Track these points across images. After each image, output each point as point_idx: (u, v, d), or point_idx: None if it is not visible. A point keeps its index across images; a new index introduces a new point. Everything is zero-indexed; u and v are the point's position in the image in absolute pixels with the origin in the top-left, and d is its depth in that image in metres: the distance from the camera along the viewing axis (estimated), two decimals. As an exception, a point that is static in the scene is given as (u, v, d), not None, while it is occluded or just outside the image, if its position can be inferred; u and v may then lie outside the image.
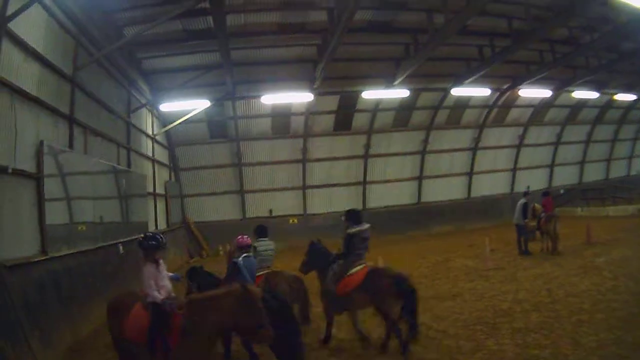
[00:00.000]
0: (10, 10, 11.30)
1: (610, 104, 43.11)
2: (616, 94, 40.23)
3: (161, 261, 8.46)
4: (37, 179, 12.70)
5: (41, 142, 12.93)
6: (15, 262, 10.92)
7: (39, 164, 12.81)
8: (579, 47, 29.62)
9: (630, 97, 41.64)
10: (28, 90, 12.47)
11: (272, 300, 8.56)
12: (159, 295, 7.95)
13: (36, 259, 11.93)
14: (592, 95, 37.71)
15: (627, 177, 49.05)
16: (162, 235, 8.63)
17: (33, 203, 12.54)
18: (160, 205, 27.70)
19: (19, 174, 11.81)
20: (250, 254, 11.09)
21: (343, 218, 11.46)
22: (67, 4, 14.64)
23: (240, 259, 10.56)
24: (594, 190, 41.96)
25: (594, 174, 46.86)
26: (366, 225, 11.05)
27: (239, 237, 11.36)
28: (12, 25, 11.50)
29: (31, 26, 12.76)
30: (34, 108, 12.92)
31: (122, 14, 19.87)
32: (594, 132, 45.04)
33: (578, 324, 11.12)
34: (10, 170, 11.23)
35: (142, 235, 8.75)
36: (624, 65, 34.85)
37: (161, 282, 8.22)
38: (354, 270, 10.74)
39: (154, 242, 8.36)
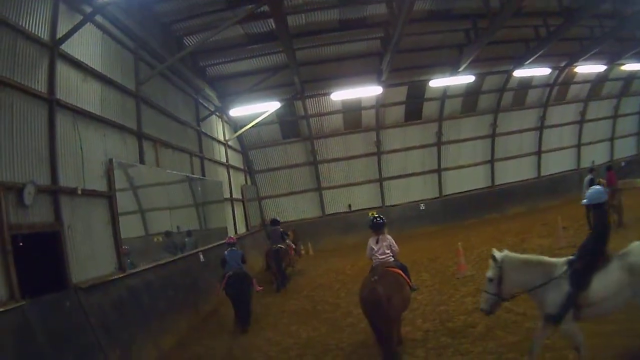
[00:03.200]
0: (61, 32, 11.24)
1: None
2: None
3: None
4: (109, 197, 12.66)
5: (110, 160, 12.90)
6: (92, 282, 10.89)
7: (110, 182, 12.77)
8: (623, 20, 28.75)
9: None
10: (91, 110, 12.44)
11: (238, 272, 14.96)
12: None
13: (113, 277, 11.87)
14: None
15: None
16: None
17: (107, 221, 12.48)
18: (239, 210, 27.82)
19: (90, 194, 11.74)
20: (235, 248, 15.91)
21: None
22: (121, 20, 14.62)
23: (226, 252, 15.66)
24: None
25: None
26: None
27: (227, 237, 17.54)
28: (65, 47, 11.43)
29: (86, 45, 12.71)
30: (100, 127, 12.86)
31: (180, 24, 20.04)
32: None
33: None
34: (79, 192, 11.15)
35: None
36: None
37: None
38: None
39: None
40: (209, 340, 13.95)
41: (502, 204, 35.87)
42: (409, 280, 10.49)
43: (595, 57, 32.44)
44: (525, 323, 10.61)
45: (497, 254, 8.54)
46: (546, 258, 8.60)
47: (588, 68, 33.76)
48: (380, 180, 34.11)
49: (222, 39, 22.09)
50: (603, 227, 8.40)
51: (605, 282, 7.75)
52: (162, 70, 17.25)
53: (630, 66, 35.94)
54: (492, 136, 36.13)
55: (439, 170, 35.16)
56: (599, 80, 38.23)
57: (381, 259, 10.76)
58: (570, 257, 8.23)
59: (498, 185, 36.58)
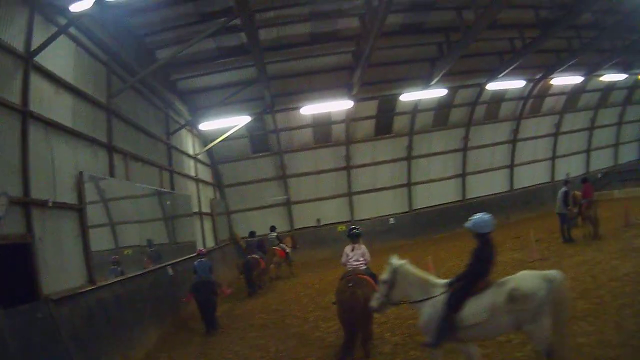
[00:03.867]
0: (35, 44, 11.32)
1: (638, 84, 42.48)
2: None
3: None
4: (79, 210, 12.69)
5: (80, 173, 12.93)
6: (63, 294, 10.90)
7: (80, 195, 12.79)
8: (604, 31, 29.25)
9: None
10: (63, 123, 12.49)
11: (204, 280, 16.39)
12: None
13: (84, 289, 11.86)
14: (620, 77, 37.29)
15: None
16: None
17: (77, 234, 12.52)
18: (207, 224, 27.82)
19: (60, 206, 11.79)
20: (204, 259, 17.28)
21: None
22: (95, 33, 14.69)
23: (196, 262, 17.04)
24: (629, 172, 41.60)
25: (629, 154, 46.12)
26: None
27: (198, 249, 19.05)
28: (39, 58, 11.51)
29: (59, 58, 12.78)
30: (71, 139, 12.92)
31: (153, 37, 20.20)
32: (625, 113, 44.48)
33: (621, 308, 11.00)
34: (50, 204, 11.18)
35: None
36: None
37: None
38: None
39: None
40: (177, 352, 13.98)
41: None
42: (377, 287, 10.53)
43: (572, 69, 32.90)
44: (497, 337, 10.22)
45: (394, 262, 9.12)
46: (433, 278, 9.18)
47: (564, 80, 34.14)
48: (350, 194, 34.26)
49: (194, 52, 22.25)
50: (482, 254, 8.72)
51: (478, 307, 8.15)
52: (134, 83, 17.29)
53: (608, 77, 36.30)
54: (464, 150, 36.39)
55: (408, 185, 35.41)
56: (575, 92, 38.69)
57: (355, 265, 11.99)
58: (451, 279, 8.73)
59: (469, 199, 36.98)
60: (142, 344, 13.73)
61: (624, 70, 36.85)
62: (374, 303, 9.20)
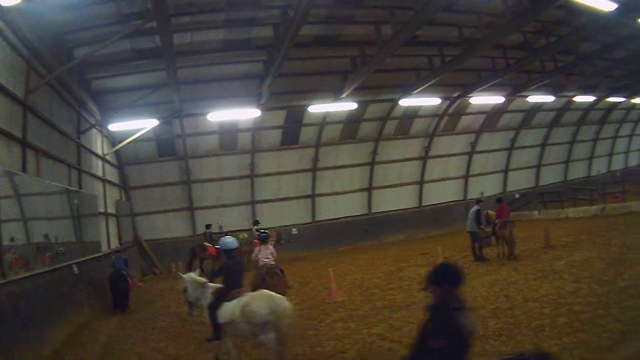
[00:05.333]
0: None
1: (568, 107, 44.19)
2: (574, 96, 41.12)
3: None
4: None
5: (-5, 167, 12.80)
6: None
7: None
8: (534, 52, 29.98)
9: (589, 98, 42.75)
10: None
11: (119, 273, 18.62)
12: None
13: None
14: (548, 98, 38.45)
15: (588, 178, 50.23)
16: None
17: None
18: (112, 225, 27.68)
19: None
20: (121, 253, 21.36)
21: None
22: (19, 26, 14.59)
23: (114, 257, 20.51)
24: (552, 193, 42.11)
25: (552, 176, 48.09)
26: None
27: (116, 246, 23.69)
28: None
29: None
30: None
31: (73, 35, 19.95)
32: (550, 135, 46.22)
33: (539, 329, 11.06)
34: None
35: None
36: (583, 67, 35.84)
37: None
38: None
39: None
40: (82, 350, 14.05)
41: (380, 232, 36.97)
42: (284, 278, 16.00)
43: (495, 88, 33.76)
44: (400, 351, 10.67)
45: (186, 276, 12.02)
46: (211, 284, 11.51)
47: (484, 99, 34.74)
48: (253, 202, 34.66)
49: (110, 52, 22.08)
50: (230, 267, 11.37)
51: (226, 312, 10.54)
52: (51, 80, 17.22)
53: (534, 98, 37.37)
54: (372, 164, 37.10)
55: (313, 196, 35.99)
56: (495, 112, 39.65)
57: (265, 261, 16.00)
58: (219, 286, 11.22)
59: (375, 213, 37.61)
60: (50, 342, 13.70)
61: (552, 92, 37.95)
62: (185, 309, 12.25)
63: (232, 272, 11.15)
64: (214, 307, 10.82)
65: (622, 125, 55.66)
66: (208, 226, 30.93)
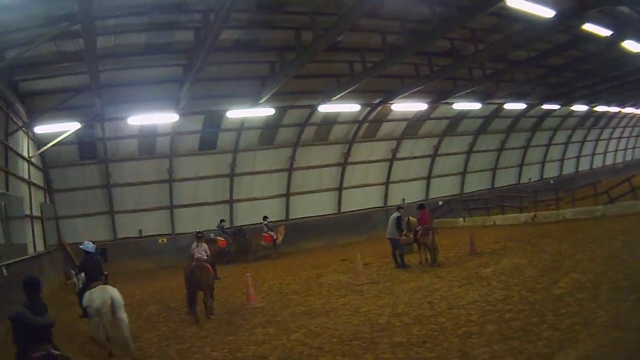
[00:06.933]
0: None
1: (497, 114, 46.41)
2: (504, 103, 43.37)
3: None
4: None
5: None
6: None
7: None
8: (461, 59, 31.41)
9: (520, 105, 45.00)
10: None
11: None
12: None
13: None
14: (474, 106, 40.63)
15: (518, 186, 53.08)
16: None
17: None
18: (38, 228, 28.79)
19: None
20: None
21: None
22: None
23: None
24: (477, 200, 43.89)
25: (478, 183, 50.64)
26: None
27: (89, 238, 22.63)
28: None
29: None
30: None
31: (3, 37, 20.63)
32: (477, 142, 48.58)
33: (466, 336, 11.32)
34: None
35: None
36: (514, 74, 37.87)
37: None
38: None
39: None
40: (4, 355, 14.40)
41: (298, 238, 38.67)
42: (213, 271, 18.68)
43: (418, 95, 35.96)
44: (320, 357, 11.55)
45: (79, 275, 16.91)
46: (110, 288, 14.40)
47: (406, 106, 37.26)
48: (171, 207, 36.34)
49: (38, 54, 23.06)
50: (88, 265, 15.84)
51: (85, 298, 14.44)
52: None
53: (461, 105, 39.46)
54: (289, 170, 38.92)
55: (230, 201, 37.73)
56: (418, 118, 41.56)
57: (198, 256, 19.00)
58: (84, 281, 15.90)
59: (294, 219, 39.31)
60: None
61: (480, 100, 40.10)
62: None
63: (90, 269, 15.53)
64: (80, 294, 15.50)
65: (557, 132, 58.62)
66: (222, 221, 35.31)
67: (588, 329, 10.28)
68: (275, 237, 35.43)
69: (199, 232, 20.64)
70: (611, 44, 30.25)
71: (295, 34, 25.56)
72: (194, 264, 18.35)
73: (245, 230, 35.70)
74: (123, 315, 13.81)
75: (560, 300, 12.88)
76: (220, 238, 34.31)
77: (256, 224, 37.18)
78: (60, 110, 27.96)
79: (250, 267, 28.62)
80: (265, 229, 35.62)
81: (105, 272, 25.75)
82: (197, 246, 19.48)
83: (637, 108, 66.37)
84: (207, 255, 19.43)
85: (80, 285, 16.48)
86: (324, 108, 34.51)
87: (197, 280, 17.36)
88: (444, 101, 39.27)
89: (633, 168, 65.66)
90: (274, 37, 27.10)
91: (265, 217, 36.01)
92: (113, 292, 13.96)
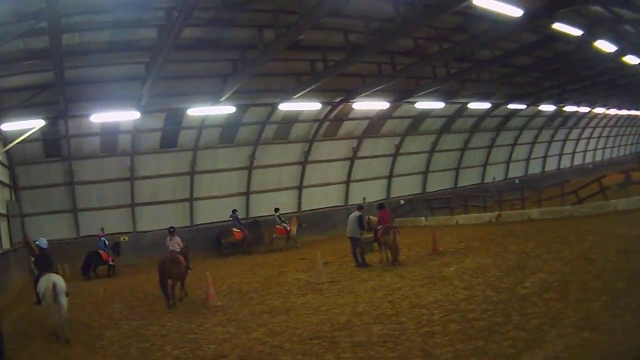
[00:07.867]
0: None
1: (460, 113, 48.01)
2: (468, 102, 44.87)
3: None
4: None
5: None
6: None
7: None
8: (424, 58, 32.38)
9: (484, 105, 46.71)
10: None
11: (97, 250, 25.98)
12: None
13: None
14: (437, 105, 42.02)
15: (482, 185, 55.06)
16: None
17: None
18: (3, 225, 29.68)
19: None
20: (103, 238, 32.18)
21: None
22: None
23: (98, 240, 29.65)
24: (440, 199, 44.73)
25: (440, 183, 52.32)
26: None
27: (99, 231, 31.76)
28: None
29: None
30: None
31: None
32: (440, 141, 50.23)
33: (428, 335, 11.54)
34: None
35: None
36: (479, 73, 39.40)
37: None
38: None
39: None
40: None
41: (259, 237, 38.83)
42: (185, 263, 21.20)
43: (380, 94, 37.28)
44: (280, 356, 11.90)
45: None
46: (55, 276, 16.66)
47: (367, 105, 38.57)
48: (133, 205, 37.75)
49: (6, 52, 23.46)
50: (42, 258, 18.01)
51: (38, 286, 16.50)
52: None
53: (423, 104, 40.74)
54: (250, 168, 40.31)
55: (191, 199, 39.07)
56: (380, 117, 43.06)
57: (172, 249, 21.67)
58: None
59: (255, 217, 40.17)
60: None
61: (443, 99, 41.58)
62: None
63: (43, 261, 17.58)
64: (35, 282, 17.29)
65: (523, 132, 60.65)
66: (234, 211, 38.20)
67: (556, 329, 10.51)
68: (289, 229, 37.28)
69: (171, 227, 23.11)
70: (582, 43, 31.29)
71: (258, 32, 26.50)
72: (166, 256, 20.70)
73: (259, 222, 38.54)
74: (63, 300, 15.99)
75: (526, 300, 13.15)
76: (236, 230, 37.36)
77: (215, 222, 39.66)
78: (25, 108, 28.66)
79: (211, 266, 30.05)
80: (278, 220, 37.83)
81: (112, 263, 30.33)
82: (170, 240, 22.20)
83: (608, 108, 68.53)
84: (180, 248, 21.99)
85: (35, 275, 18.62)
86: (285, 107, 35.63)
87: (168, 270, 19.78)
88: (406, 100, 40.65)
89: (603, 168, 68.03)
90: (237, 35, 27.88)
91: (276, 209, 38.47)
92: (56, 278, 16.29)
